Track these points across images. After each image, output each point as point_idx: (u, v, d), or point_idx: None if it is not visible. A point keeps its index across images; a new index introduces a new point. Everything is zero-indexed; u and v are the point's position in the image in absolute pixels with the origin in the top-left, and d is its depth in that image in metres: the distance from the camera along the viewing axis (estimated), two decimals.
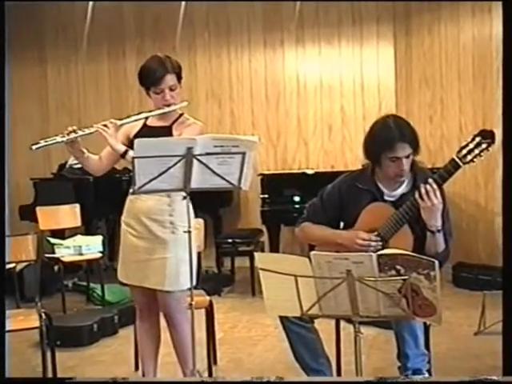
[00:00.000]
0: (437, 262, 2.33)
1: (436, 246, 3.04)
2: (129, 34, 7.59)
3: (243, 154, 2.91)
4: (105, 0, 7.32)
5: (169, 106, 3.30)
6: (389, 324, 3.34)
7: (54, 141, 3.20)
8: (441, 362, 3.68)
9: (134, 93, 7.13)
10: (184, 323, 3.34)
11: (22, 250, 3.97)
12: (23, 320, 3.69)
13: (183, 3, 7.17)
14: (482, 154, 2.93)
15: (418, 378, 3.15)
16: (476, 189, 6.28)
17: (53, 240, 5.91)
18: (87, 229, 6.56)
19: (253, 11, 7.34)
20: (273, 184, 6.42)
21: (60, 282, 5.66)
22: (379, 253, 2.44)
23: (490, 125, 5.56)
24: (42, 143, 3.20)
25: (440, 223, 3.01)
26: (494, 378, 2.28)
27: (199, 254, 3.87)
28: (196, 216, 3.36)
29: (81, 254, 5.74)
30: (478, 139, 2.93)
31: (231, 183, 2.98)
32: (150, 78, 3.29)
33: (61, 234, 6.24)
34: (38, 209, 5.93)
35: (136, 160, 2.84)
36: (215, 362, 4.13)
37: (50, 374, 3.67)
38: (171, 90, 3.29)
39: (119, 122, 3.28)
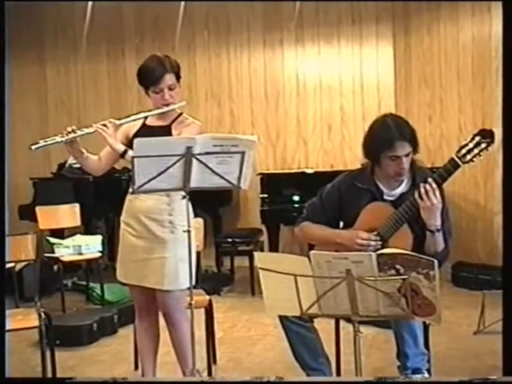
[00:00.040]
0: (436, 262, 2.33)
1: (435, 246, 3.04)
2: (128, 33, 7.59)
3: (242, 153, 2.91)
4: (104, 0, 7.32)
5: (168, 105, 3.30)
6: (388, 323, 3.35)
7: (54, 141, 3.20)
8: (440, 362, 3.68)
9: (134, 92, 7.13)
10: (183, 322, 3.34)
11: (21, 250, 3.96)
12: (22, 319, 3.68)
13: (182, 3, 7.17)
14: (481, 153, 2.93)
15: (417, 377, 3.15)
16: (475, 188, 6.28)
17: (52, 239, 5.91)
18: (87, 228, 6.56)
19: (252, 11, 7.34)
20: (272, 183, 6.42)
21: (59, 281, 5.65)
22: (379, 252, 2.44)
23: (489, 124, 5.56)
24: (42, 143, 3.20)
25: (439, 222, 3.01)
26: (494, 377, 2.28)
27: (199, 253, 3.87)
28: (195, 215, 3.36)
29: (80, 254, 5.74)
30: (477, 139, 2.94)
31: (231, 182, 2.98)
32: (148, 78, 3.29)
33: (60, 233, 6.24)
34: (37, 208, 5.93)
35: (135, 159, 2.84)
36: (214, 362, 4.12)
37: (49, 374, 3.66)
38: (170, 89, 3.29)
39: (118, 122, 3.28)
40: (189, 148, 2.85)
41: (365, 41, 7.16)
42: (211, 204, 6.49)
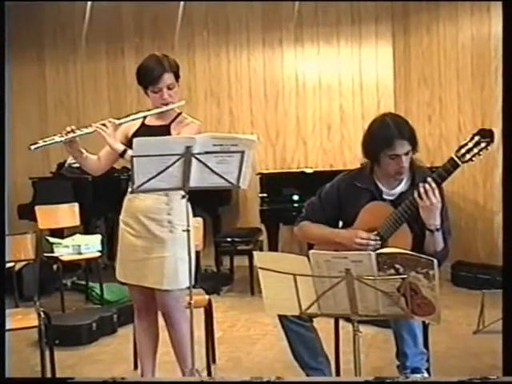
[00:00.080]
0: (436, 261, 2.33)
1: (435, 245, 3.04)
2: (127, 33, 7.59)
3: (242, 152, 2.91)
4: (104, 0, 7.32)
5: (167, 104, 3.29)
6: (388, 323, 3.35)
7: (53, 141, 3.20)
8: (440, 361, 3.68)
9: (133, 92, 7.13)
10: (182, 322, 3.33)
11: (20, 249, 3.96)
12: (22, 319, 3.68)
13: (182, 3, 7.17)
14: (480, 153, 2.93)
15: (416, 377, 3.15)
16: (475, 188, 6.28)
17: (52, 239, 5.91)
18: (86, 228, 6.56)
19: (252, 10, 7.34)
20: (272, 183, 6.42)
21: (59, 281, 5.65)
22: (378, 252, 2.44)
23: (488, 124, 5.57)
24: (41, 143, 3.20)
25: (439, 222, 3.01)
26: (493, 377, 2.28)
27: (198, 252, 3.87)
28: (195, 215, 3.36)
29: (80, 253, 5.74)
30: (476, 138, 2.94)
31: (230, 182, 2.98)
32: (147, 77, 3.29)
33: (60, 233, 6.24)
34: (36, 208, 5.93)
35: (135, 159, 2.84)
36: (214, 361, 4.12)
37: (48, 373, 3.66)
38: (169, 88, 3.29)
39: (118, 122, 3.28)
40: (188, 147, 2.85)
41: (364, 40, 7.16)
42: (211, 203, 6.49)
